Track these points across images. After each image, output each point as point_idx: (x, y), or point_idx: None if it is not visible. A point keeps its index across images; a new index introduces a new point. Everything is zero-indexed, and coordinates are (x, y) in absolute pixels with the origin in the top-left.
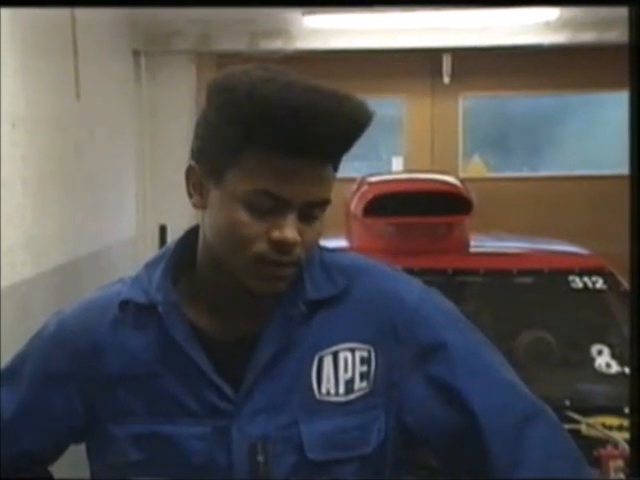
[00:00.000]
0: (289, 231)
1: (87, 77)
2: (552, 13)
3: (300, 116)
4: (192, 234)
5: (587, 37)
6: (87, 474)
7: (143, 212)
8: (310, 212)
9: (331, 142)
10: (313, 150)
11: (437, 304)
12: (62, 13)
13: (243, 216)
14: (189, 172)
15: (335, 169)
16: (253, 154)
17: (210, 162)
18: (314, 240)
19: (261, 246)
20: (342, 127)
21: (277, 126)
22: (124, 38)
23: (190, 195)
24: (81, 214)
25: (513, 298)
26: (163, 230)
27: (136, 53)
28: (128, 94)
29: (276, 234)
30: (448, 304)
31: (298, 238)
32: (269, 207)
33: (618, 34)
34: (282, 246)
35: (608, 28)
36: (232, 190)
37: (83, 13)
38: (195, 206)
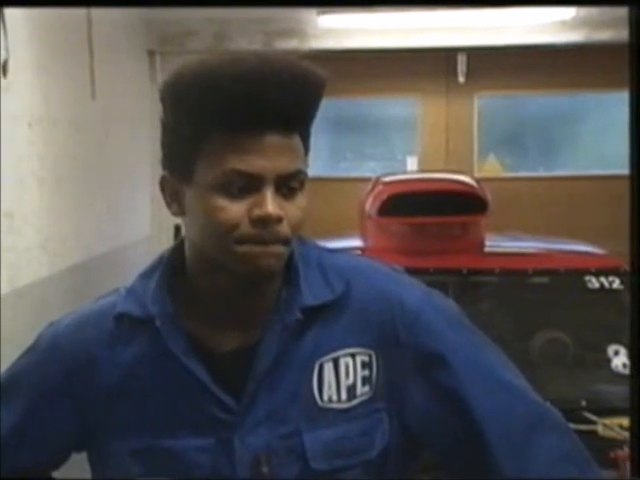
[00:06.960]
0: (270, 206)
1: (103, 77)
2: (568, 12)
3: (248, 86)
4: (184, 242)
5: (603, 36)
6: (87, 474)
7: (158, 212)
8: (286, 186)
9: (284, 109)
10: (269, 119)
11: (439, 307)
12: (78, 14)
13: (219, 201)
14: (163, 182)
15: (304, 141)
16: (214, 138)
17: (178, 164)
18: (298, 216)
19: (244, 228)
20: (291, 92)
21: (228, 101)
22: (139, 38)
23: (168, 205)
24: (96, 214)
25: (528, 298)
26: (178, 230)
27: (151, 53)
28: (143, 94)
29: (257, 211)
30: (450, 306)
31: (281, 212)
32: (243, 187)
33: None
34: (265, 223)
35: (624, 27)
36: (203, 181)
37: (99, 13)
38: (175, 214)
